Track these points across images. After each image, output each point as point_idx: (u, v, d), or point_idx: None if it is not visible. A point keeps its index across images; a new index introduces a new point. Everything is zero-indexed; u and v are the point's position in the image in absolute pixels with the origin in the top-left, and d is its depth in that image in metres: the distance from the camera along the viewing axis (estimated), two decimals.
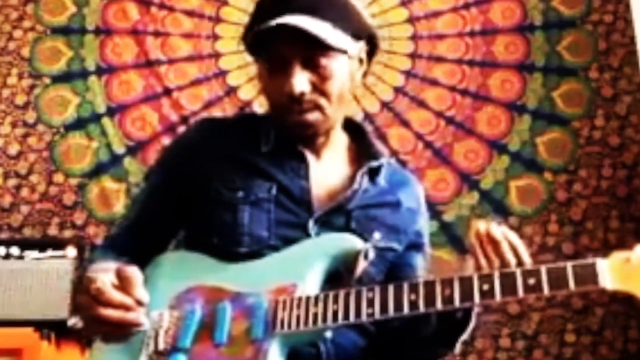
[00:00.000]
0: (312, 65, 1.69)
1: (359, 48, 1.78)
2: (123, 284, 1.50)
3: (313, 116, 1.71)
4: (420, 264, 1.84)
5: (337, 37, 1.70)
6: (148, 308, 1.54)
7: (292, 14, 1.67)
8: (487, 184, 3.85)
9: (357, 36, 1.77)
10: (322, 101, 1.71)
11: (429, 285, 1.48)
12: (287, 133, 1.76)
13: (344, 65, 1.74)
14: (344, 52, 1.73)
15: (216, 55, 4.02)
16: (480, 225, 1.55)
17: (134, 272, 1.52)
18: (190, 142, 1.84)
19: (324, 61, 1.70)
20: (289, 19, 1.66)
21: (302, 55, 1.69)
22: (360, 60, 1.81)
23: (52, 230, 3.78)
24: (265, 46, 1.72)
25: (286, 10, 1.68)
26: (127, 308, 1.48)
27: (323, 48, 1.69)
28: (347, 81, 1.76)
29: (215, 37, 4.04)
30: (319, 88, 1.70)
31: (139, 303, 1.49)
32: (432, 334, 1.65)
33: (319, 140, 1.80)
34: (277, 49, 1.69)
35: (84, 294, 1.52)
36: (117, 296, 1.48)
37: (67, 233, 3.77)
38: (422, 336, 1.67)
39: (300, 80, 1.68)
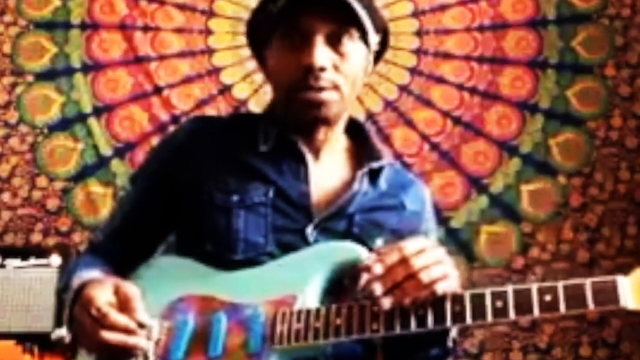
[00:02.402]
0: (335, 43, 1.69)
1: (375, 41, 1.79)
2: (122, 304, 1.51)
3: (331, 96, 1.70)
4: None
5: (365, 17, 1.71)
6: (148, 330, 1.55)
7: None
8: (497, 188, 3.85)
9: (376, 27, 1.77)
10: (341, 81, 1.70)
11: (438, 301, 1.48)
12: (296, 114, 1.73)
13: (361, 52, 1.74)
14: (365, 38, 1.72)
15: (209, 51, 4.02)
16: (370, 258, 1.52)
17: (133, 291, 1.52)
18: (180, 141, 1.82)
19: (347, 40, 1.70)
20: None
21: (328, 30, 1.68)
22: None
23: (35, 237, 3.78)
24: (284, 20, 1.70)
25: None
26: (129, 332, 1.49)
27: (349, 27, 1.69)
28: (361, 68, 1.76)
29: (208, 32, 4.03)
30: (339, 68, 1.70)
31: (141, 326, 1.51)
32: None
33: (319, 138, 1.77)
34: (300, 21, 1.68)
35: (83, 313, 1.53)
36: (121, 320, 1.49)
37: (51, 240, 3.77)
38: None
39: (323, 55, 1.67)
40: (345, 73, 1.71)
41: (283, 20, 1.70)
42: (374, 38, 1.77)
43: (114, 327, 1.49)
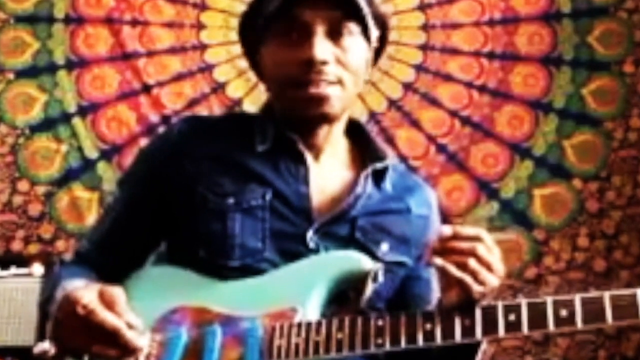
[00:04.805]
0: (335, 36, 1.71)
1: (376, 36, 1.80)
2: (108, 307, 1.51)
3: (334, 90, 1.71)
4: (434, 277, 1.84)
5: (367, 11, 1.73)
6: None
7: None
8: (508, 193, 3.85)
9: (376, 22, 1.79)
10: (345, 75, 1.72)
11: (447, 314, 1.49)
12: (297, 111, 1.75)
13: (362, 46, 1.76)
14: (366, 32, 1.74)
15: (201, 47, 4.02)
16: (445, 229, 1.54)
17: (118, 293, 1.52)
18: (172, 142, 1.82)
19: (347, 35, 1.72)
20: None
21: (328, 23, 1.70)
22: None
23: (16, 245, 3.78)
24: (282, 15, 1.71)
25: None
26: (120, 331, 1.49)
27: (349, 21, 1.71)
28: (363, 62, 1.78)
29: (200, 27, 4.04)
30: (341, 61, 1.72)
31: (130, 327, 1.50)
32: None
33: (319, 137, 1.78)
34: (299, 16, 1.70)
35: (69, 315, 1.52)
36: (109, 318, 1.49)
37: (33, 248, 3.77)
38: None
39: (324, 48, 1.69)
40: (348, 67, 1.72)
41: (281, 15, 1.72)
42: (375, 33, 1.79)
43: (102, 326, 1.48)
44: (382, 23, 1.83)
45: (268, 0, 1.74)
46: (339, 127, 1.83)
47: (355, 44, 1.73)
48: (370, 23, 1.75)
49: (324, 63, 1.68)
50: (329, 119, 1.76)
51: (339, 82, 1.72)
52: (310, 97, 1.71)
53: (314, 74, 1.69)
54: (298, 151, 1.76)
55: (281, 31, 1.73)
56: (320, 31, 1.69)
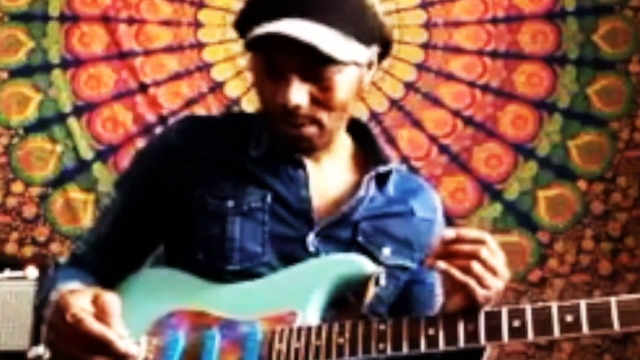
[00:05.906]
0: (312, 76, 1.67)
1: (369, 54, 1.75)
2: (99, 314, 1.50)
3: (309, 131, 1.70)
4: (438, 282, 1.84)
5: (345, 47, 1.67)
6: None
7: (291, 17, 1.64)
8: (512, 194, 3.85)
9: (368, 41, 1.74)
10: (321, 115, 1.70)
11: (450, 319, 1.49)
12: (279, 144, 1.75)
13: (351, 76, 1.72)
14: (352, 63, 1.70)
15: (199, 46, 4.03)
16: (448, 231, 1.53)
17: (113, 300, 1.52)
18: (170, 143, 1.81)
19: (327, 73, 1.67)
20: (287, 27, 1.62)
21: (301, 67, 1.66)
22: (370, 65, 1.79)
23: (10, 248, 3.78)
24: (260, 46, 1.68)
25: (285, 11, 1.65)
26: (110, 343, 1.49)
27: (327, 60, 1.66)
28: (352, 90, 1.74)
29: (197, 25, 4.04)
30: (318, 100, 1.69)
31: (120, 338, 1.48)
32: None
33: (315, 152, 1.78)
34: (273, 55, 1.67)
35: (59, 320, 1.52)
36: (97, 329, 1.48)
37: (28, 250, 3.78)
38: None
39: (298, 93, 1.66)
40: (328, 105, 1.69)
41: (257, 50, 1.71)
42: (365, 55, 1.74)
43: (88, 334, 1.47)
44: (377, 36, 1.77)
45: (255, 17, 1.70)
46: (338, 133, 1.82)
47: (339, 81, 1.69)
48: (355, 54, 1.70)
49: (298, 107, 1.66)
50: (314, 150, 1.77)
51: (314, 121, 1.70)
52: (287, 137, 1.71)
53: (289, 116, 1.68)
54: (295, 156, 1.77)
55: (261, 61, 1.71)
56: (294, 74, 1.66)
